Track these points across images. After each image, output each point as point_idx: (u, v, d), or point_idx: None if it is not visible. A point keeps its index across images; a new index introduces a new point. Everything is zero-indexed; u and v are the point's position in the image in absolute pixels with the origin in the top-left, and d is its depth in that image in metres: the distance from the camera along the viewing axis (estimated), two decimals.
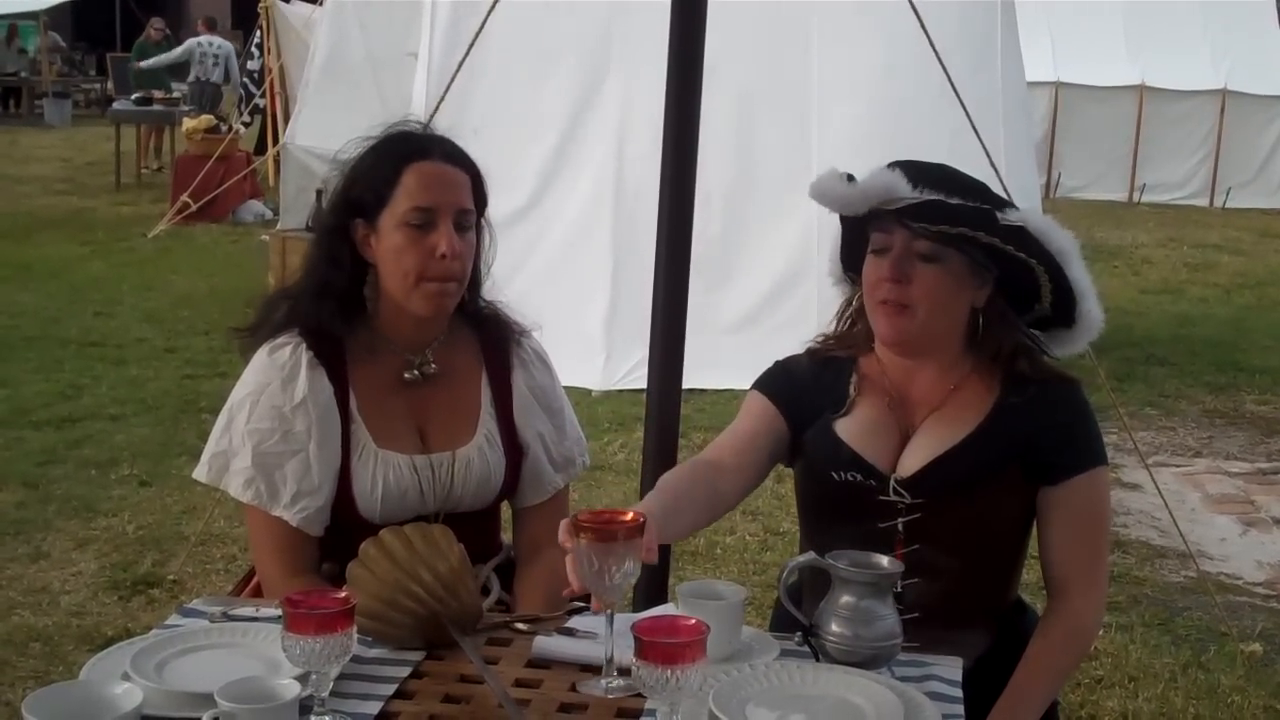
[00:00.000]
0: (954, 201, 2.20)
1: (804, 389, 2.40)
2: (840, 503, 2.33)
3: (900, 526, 2.29)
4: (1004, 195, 2.34)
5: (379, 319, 2.38)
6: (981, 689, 2.11)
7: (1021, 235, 2.19)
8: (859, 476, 2.30)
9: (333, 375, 2.34)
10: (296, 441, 2.30)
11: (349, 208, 2.34)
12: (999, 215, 2.17)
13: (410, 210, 2.28)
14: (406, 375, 2.38)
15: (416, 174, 2.30)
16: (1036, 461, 2.27)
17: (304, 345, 2.33)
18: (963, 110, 4.48)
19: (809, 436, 2.37)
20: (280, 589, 2.23)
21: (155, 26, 18.23)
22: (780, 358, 2.49)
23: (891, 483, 2.29)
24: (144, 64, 17.28)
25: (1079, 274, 2.24)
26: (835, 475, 2.32)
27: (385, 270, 2.33)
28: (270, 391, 2.31)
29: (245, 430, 2.31)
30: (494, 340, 2.48)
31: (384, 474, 2.33)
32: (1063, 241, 2.21)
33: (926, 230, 2.20)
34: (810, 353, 2.46)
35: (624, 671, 1.81)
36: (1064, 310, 2.28)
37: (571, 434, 2.56)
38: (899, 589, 2.12)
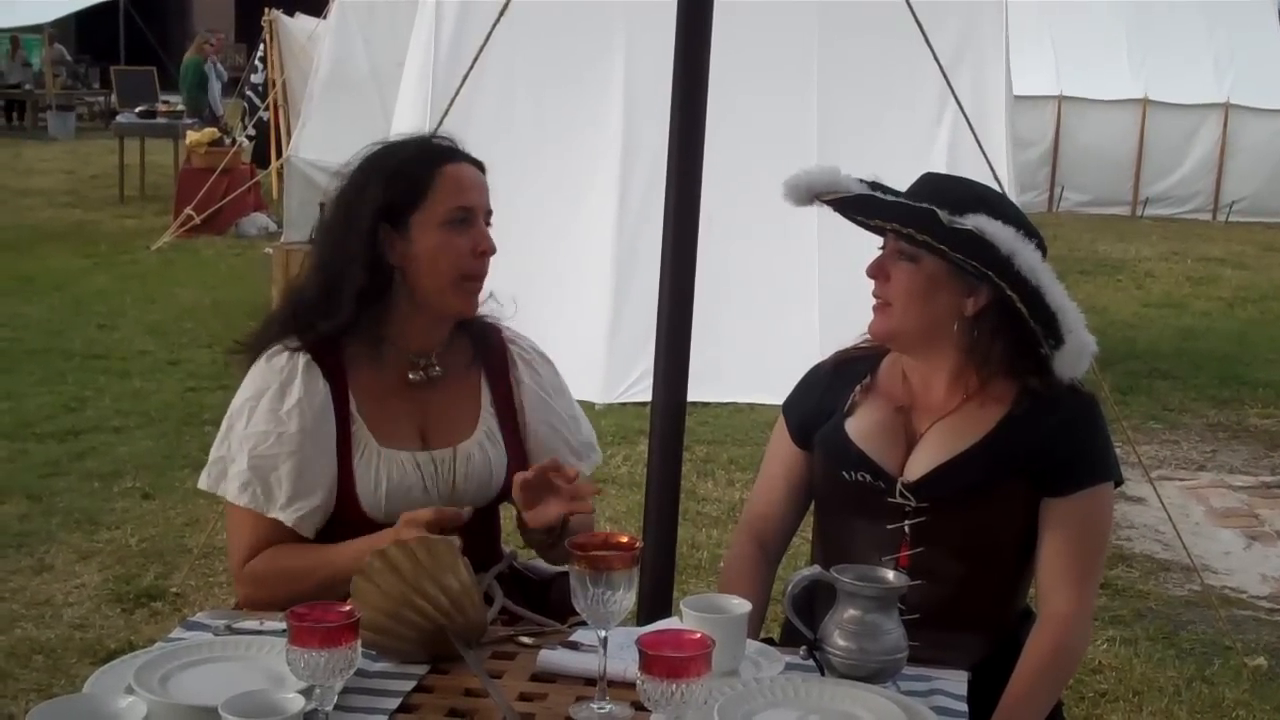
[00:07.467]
0: (886, 198, 2.24)
1: (817, 397, 2.47)
2: (850, 502, 2.37)
3: (907, 529, 2.32)
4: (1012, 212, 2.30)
5: (390, 322, 2.38)
6: (979, 695, 2.11)
7: (971, 241, 2.16)
8: (868, 477, 2.34)
9: (331, 377, 2.35)
10: (291, 443, 2.31)
11: (376, 212, 2.33)
12: (942, 216, 2.16)
13: (454, 209, 2.33)
14: (412, 376, 2.40)
15: (451, 176, 2.35)
16: (1043, 473, 2.28)
17: (301, 349, 2.34)
18: (965, 120, 4.49)
19: (820, 436, 2.42)
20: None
21: (211, 42, 17.14)
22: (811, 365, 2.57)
23: (899, 486, 2.31)
24: None
25: (1055, 293, 2.20)
26: (846, 475, 2.36)
27: (420, 271, 2.34)
28: (268, 396, 2.33)
29: (243, 435, 2.33)
30: (489, 342, 2.52)
31: (387, 471, 2.34)
32: (1025, 254, 2.17)
33: (865, 223, 2.29)
34: (838, 355, 2.52)
35: (628, 685, 1.80)
36: (1050, 328, 2.23)
37: (585, 425, 2.61)
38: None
